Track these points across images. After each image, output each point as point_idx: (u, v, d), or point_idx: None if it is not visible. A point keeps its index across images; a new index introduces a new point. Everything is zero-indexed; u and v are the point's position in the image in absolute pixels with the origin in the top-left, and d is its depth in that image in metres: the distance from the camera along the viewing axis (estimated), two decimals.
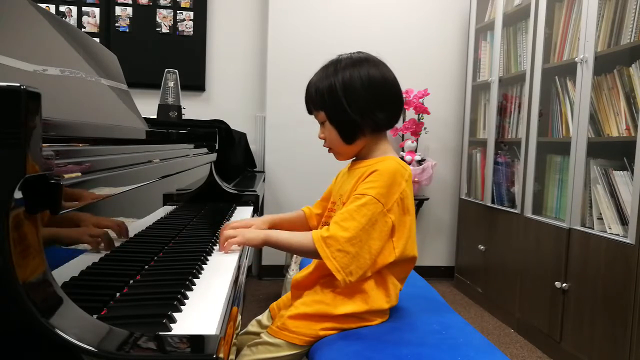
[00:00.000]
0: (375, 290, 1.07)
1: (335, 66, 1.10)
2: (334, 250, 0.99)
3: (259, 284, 3.09)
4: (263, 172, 3.09)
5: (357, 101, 1.07)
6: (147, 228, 0.98)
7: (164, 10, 3.16)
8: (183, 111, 2.43)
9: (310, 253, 1.04)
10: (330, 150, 1.16)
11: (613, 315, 1.79)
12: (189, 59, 3.19)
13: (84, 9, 3.10)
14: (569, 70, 2.15)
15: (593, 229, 1.95)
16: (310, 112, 1.16)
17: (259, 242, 1.07)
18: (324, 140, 1.15)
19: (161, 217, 1.10)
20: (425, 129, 3.09)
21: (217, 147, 1.75)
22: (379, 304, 1.07)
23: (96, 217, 0.73)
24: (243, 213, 1.61)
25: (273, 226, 1.25)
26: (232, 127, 2.35)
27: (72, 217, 0.65)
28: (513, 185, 2.61)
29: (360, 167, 1.11)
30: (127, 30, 3.13)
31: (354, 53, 1.13)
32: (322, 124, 1.13)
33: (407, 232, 1.07)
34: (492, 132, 2.75)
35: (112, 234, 0.79)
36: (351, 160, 1.19)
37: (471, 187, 3.10)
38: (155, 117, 2.31)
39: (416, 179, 2.96)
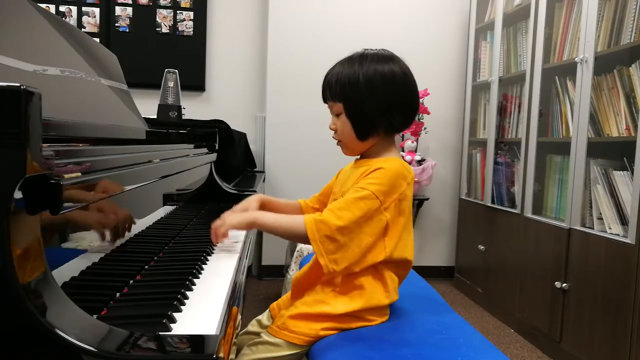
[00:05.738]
0: (373, 285, 1.06)
1: (361, 59, 1.09)
2: (322, 235, 0.99)
3: (259, 284, 3.09)
4: (263, 172, 3.09)
5: (377, 97, 1.07)
6: (147, 228, 0.98)
7: (164, 10, 3.16)
8: (183, 111, 2.43)
9: (298, 236, 1.02)
10: (339, 142, 1.15)
11: (613, 315, 1.79)
12: (189, 59, 3.19)
13: (84, 9, 3.10)
14: (569, 70, 2.15)
15: (593, 229, 1.95)
16: (325, 101, 1.15)
17: (245, 225, 1.06)
18: (333, 132, 1.14)
19: (161, 217, 1.10)
20: (425, 129, 3.09)
21: (217, 147, 1.75)
22: (378, 299, 1.06)
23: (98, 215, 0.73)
24: None
25: (263, 206, 1.23)
26: (232, 127, 2.35)
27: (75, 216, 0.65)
28: (513, 185, 2.61)
29: (365, 166, 1.10)
30: (127, 30, 3.13)
31: (380, 50, 1.13)
32: (336, 115, 1.12)
33: (398, 233, 1.06)
34: (492, 132, 2.75)
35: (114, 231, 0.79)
36: (355, 158, 1.19)
37: (471, 187, 3.10)
38: (155, 117, 2.31)
39: (416, 179, 2.96)
